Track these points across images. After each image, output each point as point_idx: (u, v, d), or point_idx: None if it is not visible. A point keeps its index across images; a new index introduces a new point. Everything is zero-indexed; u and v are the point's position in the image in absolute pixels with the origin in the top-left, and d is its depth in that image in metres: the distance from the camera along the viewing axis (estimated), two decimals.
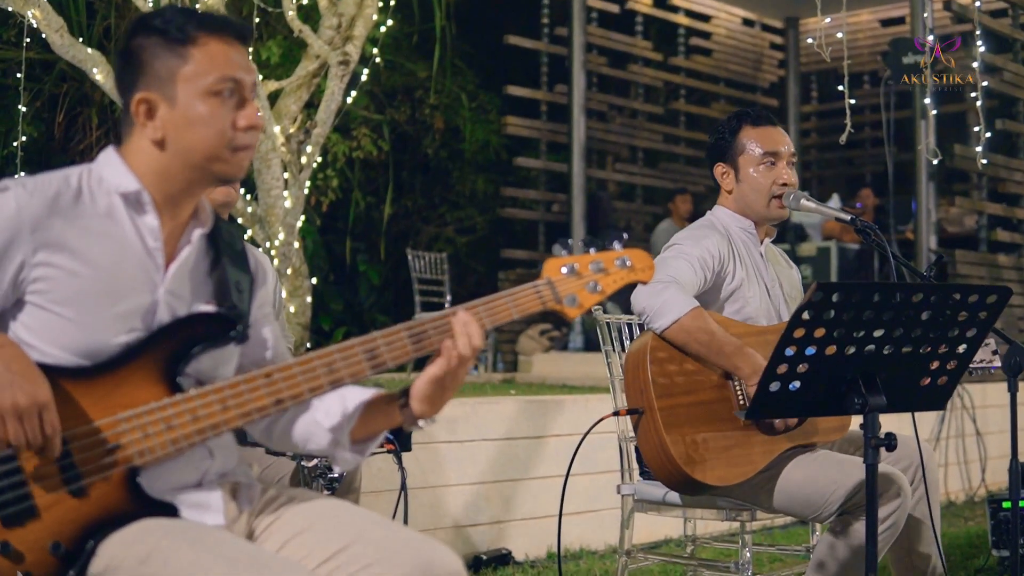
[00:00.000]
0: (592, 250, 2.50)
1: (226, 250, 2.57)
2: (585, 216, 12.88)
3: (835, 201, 12.39)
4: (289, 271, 8.79)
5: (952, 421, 8.54)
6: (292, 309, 8.95)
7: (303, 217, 9.14)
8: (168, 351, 2.38)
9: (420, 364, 9.45)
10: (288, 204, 8.68)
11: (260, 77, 8.79)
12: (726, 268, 4.09)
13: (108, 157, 2.47)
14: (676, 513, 4.22)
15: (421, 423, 2.52)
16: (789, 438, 3.86)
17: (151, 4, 8.43)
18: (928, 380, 3.34)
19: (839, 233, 11.61)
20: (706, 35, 15.36)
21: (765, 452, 3.83)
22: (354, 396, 2.56)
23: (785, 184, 4.14)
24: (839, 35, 7.09)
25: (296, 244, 8.81)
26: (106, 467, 2.28)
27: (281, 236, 8.68)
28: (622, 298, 3.66)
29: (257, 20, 9.27)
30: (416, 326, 2.42)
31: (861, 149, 15.51)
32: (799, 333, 3.07)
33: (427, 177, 14.90)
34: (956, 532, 7.03)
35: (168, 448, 2.31)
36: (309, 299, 9.10)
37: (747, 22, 15.68)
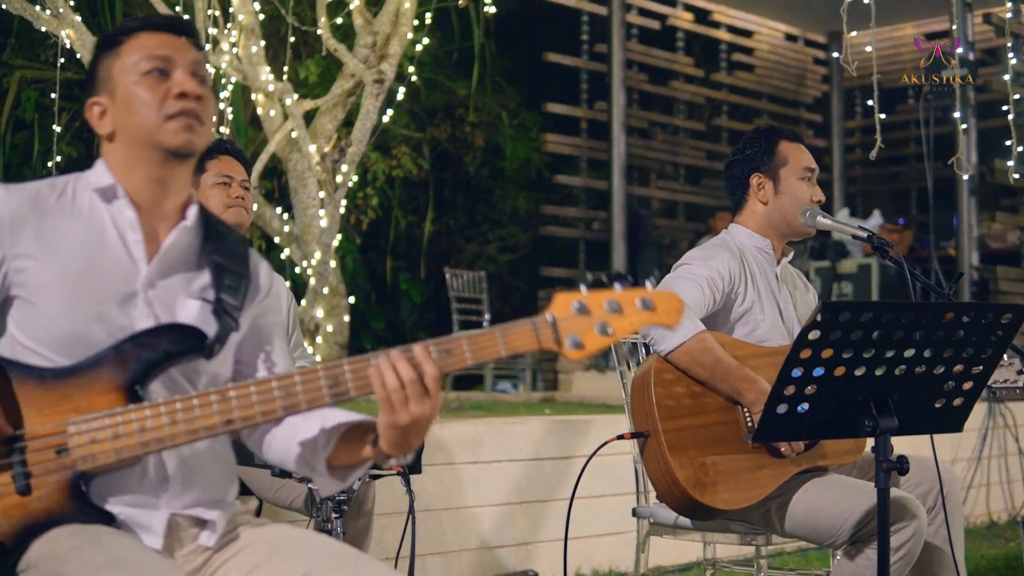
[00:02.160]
0: (618, 286, 2.29)
1: (219, 250, 2.58)
2: (626, 233, 12.81)
3: (876, 217, 12.24)
4: (326, 290, 8.80)
5: (994, 440, 8.41)
6: (330, 328, 8.94)
7: (339, 236, 9.14)
8: (132, 360, 2.37)
9: (456, 382, 9.33)
10: (324, 223, 8.68)
11: (296, 96, 8.80)
12: (736, 289, 4.00)
13: (96, 163, 2.55)
14: (696, 537, 4.15)
15: (393, 461, 2.43)
16: (799, 461, 3.78)
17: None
18: (943, 402, 3.25)
19: None
20: (748, 51, 15.26)
21: (774, 476, 3.74)
22: (334, 423, 2.49)
23: (820, 201, 4.10)
24: (868, 48, 7.01)
25: (333, 263, 8.81)
26: (52, 469, 2.30)
27: (318, 255, 8.69)
28: None
29: (292, 39, 9.28)
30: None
31: (906, 164, 15.34)
32: (806, 354, 3.00)
33: (469, 195, 14.89)
34: (995, 553, 6.92)
35: (112, 457, 2.30)
36: (347, 318, 9.07)
37: (790, 37, 15.57)
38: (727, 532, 3.94)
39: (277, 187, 11.67)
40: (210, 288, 2.53)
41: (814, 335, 2.97)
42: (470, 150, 14.39)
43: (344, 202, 9.09)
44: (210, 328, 2.46)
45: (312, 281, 8.75)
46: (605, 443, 3.98)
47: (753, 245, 4.15)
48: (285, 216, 8.96)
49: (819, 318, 2.93)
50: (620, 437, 3.92)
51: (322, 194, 8.72)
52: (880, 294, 11.13)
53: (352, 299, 9.63)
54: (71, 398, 2.33)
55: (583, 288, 2.29)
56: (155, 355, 2.38)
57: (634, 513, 4.18)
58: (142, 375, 2.36)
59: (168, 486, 2.42)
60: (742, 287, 4.01)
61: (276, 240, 9.13)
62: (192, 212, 2.56)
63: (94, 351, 2.36)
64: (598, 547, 6.23)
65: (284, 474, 3.59)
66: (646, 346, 4.00)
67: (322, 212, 8.69)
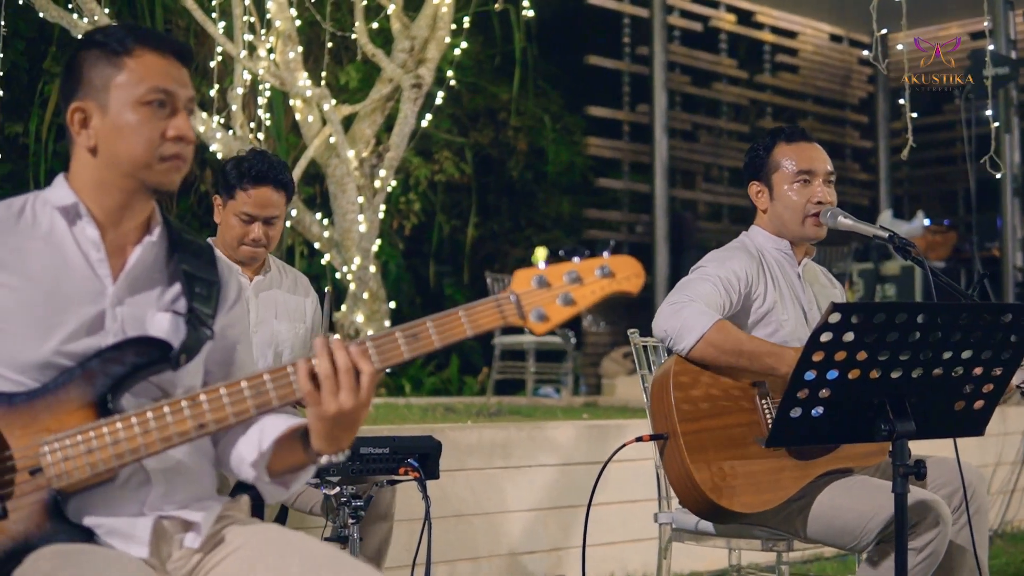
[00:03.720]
0: (576, 259, 2.33)
1: (187, 260, 2.57)
2: (668, 236, 12.73)
3: (920, 218, 12.12)
4: (366, 295, 8.79)
5: None
6: (370, 333, 8.90)
7: (379, 241, 9.15)
8: (99, 376, 2.37)
9: (500, 387, 9.25)
10: (363, 228, 8.69)
11: (334, 102, 8.81)
12: (755, 290, 3.97)
13: (56, 179, 2.52)
14: (720, 543, 4.12)
15: (324, 459, 2.42)
16: (823, 463, 3.73)
17: (222, 30, 8.51)
18: (963, 404, 3.20)
19: (924, 251, 11.34)
20: (792, 52, 15.14)
21: (796, 478, 3.69)
22: (271, 430, 2.51)
23: (820, 202, 4.03)
24: (899, 47, 6.94)
25: (373, 268, 8.81)
26: (27, 491, 2.29)
27: (357, 260, 8.69)
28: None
29: (330, 45, 9.30)
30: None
31: (952, 165, 15.15)
32: (818, 356, 2.96)
33: (512, 199, 14.87)
34: None
35: (87, 472, 2.30)
36: (388, 323, 9.06)
37: (835, 38, 15.43)
38: (749, 537, 3.90)
39: (319, 192, 11.70)
40: (181, 298, 2.52)
41: (826, 337, 2.93)
42: (513, 154, 14.37)
43: (384, 207, 9.09)
44: (179, 338, 2.45)
45: (352, 286, 8.76)
46: (623, 445, 3.97)
47: (772, 247, 4.12)
48: (325, 222, 8.97)
49: (830, 320, 2.89)
50: (639, 439, 3.90)
51: (361, 199, 8.73)
52: (924, 296, 10.99)
53: (394, 304, 9.63)
54: (41, 419, 2.32)
55: (542, 264, 2.32)
56: (122, 369, 2.38)
57: (655, 519, 4.16)
58: (111, 390, 2.36)
59: (151, 488, 2.42)
60: (761, 288, 3.98)
61: (316, 246, 9.16)
62: (157, 226, 2.55)
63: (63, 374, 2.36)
64: (630, 552, 6.19)
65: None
66: (668, 350, 3.96)
67: (361, 217, 8.69)
